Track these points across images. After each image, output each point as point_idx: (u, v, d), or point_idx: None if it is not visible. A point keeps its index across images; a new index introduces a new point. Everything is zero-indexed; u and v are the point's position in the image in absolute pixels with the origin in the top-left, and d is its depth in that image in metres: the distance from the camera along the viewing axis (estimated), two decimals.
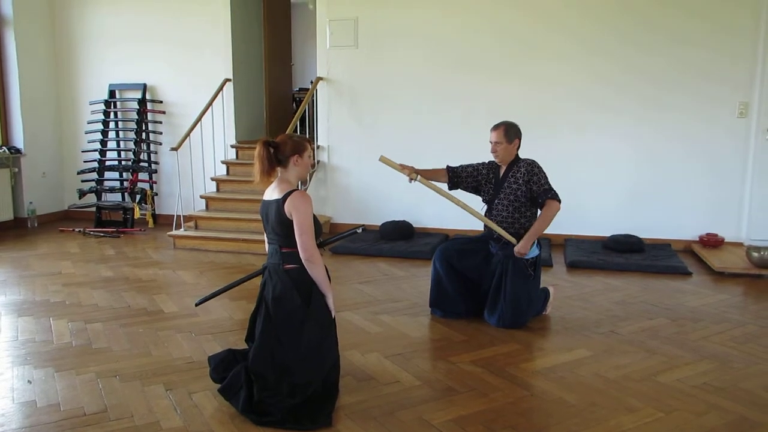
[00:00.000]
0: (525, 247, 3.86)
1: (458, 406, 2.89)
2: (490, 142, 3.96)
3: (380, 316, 4.15)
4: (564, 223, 6.21)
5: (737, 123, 5.83)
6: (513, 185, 3.92)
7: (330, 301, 3.00)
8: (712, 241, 5.76)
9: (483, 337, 3.77)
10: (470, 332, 3.86)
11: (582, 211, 6.15)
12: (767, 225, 5.81)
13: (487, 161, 4.15)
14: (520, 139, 3.98)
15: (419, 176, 3.95)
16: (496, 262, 3.95)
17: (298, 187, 3.02)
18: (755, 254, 5.14)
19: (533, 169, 3.90)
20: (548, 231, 6.12)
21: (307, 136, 6.58)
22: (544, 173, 3.94)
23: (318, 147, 6.84)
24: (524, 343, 3.69)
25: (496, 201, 3.99)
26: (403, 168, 3.95)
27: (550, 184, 3.91)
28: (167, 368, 3.31)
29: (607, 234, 6.05)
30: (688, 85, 5.87)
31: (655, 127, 6.00)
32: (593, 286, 4.88)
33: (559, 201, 3.88)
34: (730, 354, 3.51)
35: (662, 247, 5.93)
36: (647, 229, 6.03)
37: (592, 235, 6.19)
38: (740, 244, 5.80)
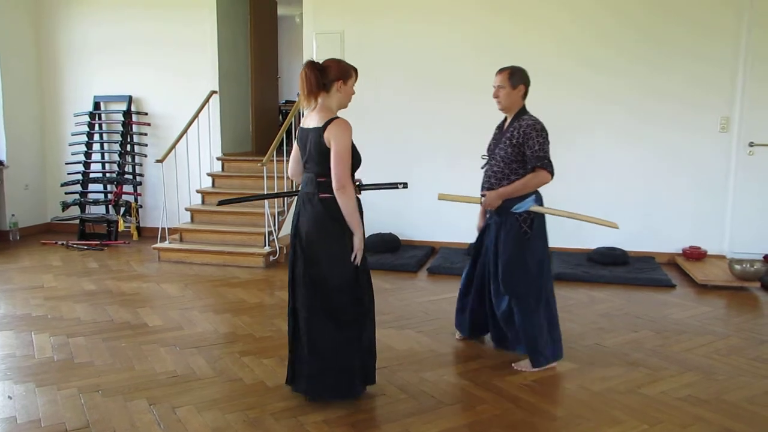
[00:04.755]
0: (493, 200, 3.49)
1: (444, 419, 2.89)
2: (494, 86, 3.56)
3: None
4: (549, 235, 6.26)
5: (720, 137, 5.91)
6: (508, 140, 3.50)
7: (357, 240, 2.87)
8: (695, 254, 5.82)
9: (469, 350, 3.78)
10: (457, 345, 3.86)
11: (566, 224, 6.17)
12: (749, 238, 5.90)
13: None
14: (527, 87, 3.55)
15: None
16: (492, 225, 3.63)
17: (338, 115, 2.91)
18: (737, 267, 5.20)
19: (531, 131, 3.42)
20: None
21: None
22: (544, 138, 3.44)
23: None
24: (510, 356, 3.69)
25: (495, 152, 3.60)
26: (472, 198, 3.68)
27: (546, 152, 3.42)
28: (150, 382, 3.28)
29: (592, 247, 6.10)
30: (671, 99, 5.94)
31: (639, 141, 6.06)
32: (578, 298, 4.90)
33: (552, 174, 3.44)
34: (713, 366, 3.54)
35: (646, 259, 5.98)
36: (631, 242, 6.08)
37: (577, 248, 6.23)
38: (723, 257, 5.86)
